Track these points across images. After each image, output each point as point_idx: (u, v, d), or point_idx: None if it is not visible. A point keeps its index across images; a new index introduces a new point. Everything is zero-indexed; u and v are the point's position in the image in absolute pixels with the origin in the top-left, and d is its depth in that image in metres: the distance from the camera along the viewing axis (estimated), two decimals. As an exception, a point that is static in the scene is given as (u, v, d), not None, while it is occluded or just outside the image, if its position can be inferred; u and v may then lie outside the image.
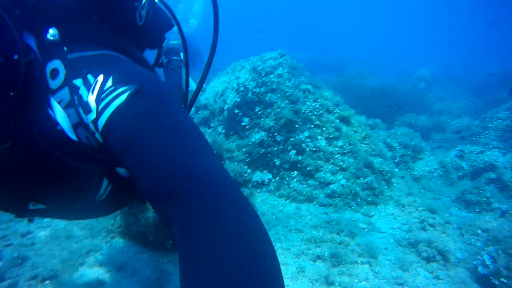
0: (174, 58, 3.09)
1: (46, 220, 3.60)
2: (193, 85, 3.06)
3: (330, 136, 5.19)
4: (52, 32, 1.06)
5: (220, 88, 6.46)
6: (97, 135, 1.07)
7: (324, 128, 5.22)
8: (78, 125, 1.09)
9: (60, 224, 3.57)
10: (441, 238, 4.08)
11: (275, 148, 5.18)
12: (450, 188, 5.45)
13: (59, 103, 1.07)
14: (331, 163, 5.00)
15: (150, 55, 1.92)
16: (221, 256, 0.68)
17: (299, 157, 5.02)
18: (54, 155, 1.06)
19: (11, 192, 1.16)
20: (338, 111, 5.47)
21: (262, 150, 5.22)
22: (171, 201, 0.81)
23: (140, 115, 0.95)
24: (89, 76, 1.08)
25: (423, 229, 4.27)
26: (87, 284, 2.95)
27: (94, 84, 1.06)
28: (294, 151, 5.08)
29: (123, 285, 2.97)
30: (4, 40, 0.90)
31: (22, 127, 0.98)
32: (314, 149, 5.05)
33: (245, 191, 4.19)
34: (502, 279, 3.38)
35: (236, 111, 5.72)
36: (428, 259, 3.74)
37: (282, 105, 5.32)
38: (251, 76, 5.81)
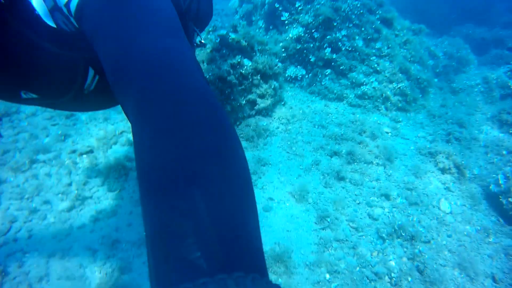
0: None
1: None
2: None
3: (368, 37, 5.01)
4: None
5: (262, -21, 6.26)
6: (72, 20, 1.05)
7: (363, 29, 5.03)
8: (54, 9, 1.06)
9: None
10: (463, 152, 4.04)
11: (311, 45, 5.09)
12: (488, 106, 5.22)
13: None
14: (366, 65, 4.89)
15: None
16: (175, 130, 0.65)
17: (334, 55, 4.93)
18: (37, 42, 1.07)
19: (2, 78, 1.18)
20: (380, 12, 5.21)
21: (299, 46, 5.15)
22: (126, 87, 0.77)
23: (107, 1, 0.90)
24: None
25: (448, 141, 4.21)
26: (117, 159, 3.19)
27: None
28: (329, 49, 4.98)
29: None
30: None
31: (2, 16, 1.00)
32: (350, 49, 4.93)
33: (274, 84, 4.23)
34: (510, 199, 3.39)
35: (277, 5, 5.57)
36: (443, 170, 3.73)
37: (322, 2, 5.12)
38: (294, -36, 5.56)
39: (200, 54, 4.08)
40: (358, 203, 3.17)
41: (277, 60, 4.40)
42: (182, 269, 0.52)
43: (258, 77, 4.14)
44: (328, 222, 2.93)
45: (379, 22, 5.15)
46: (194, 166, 0.61)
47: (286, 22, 5.45)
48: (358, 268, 2.71)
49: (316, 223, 2.92)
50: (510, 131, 4.60)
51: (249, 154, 3.61)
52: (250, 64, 4.11)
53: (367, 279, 2.65)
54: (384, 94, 4.67)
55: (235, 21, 4.40)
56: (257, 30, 5.98)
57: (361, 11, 5.06)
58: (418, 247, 2.92)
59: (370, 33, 5.02)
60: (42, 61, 1.13)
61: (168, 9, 0.95)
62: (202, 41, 2.00)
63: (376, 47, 4.99)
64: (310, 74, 5.06)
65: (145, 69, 0.75)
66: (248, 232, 0.60)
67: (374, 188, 3.34)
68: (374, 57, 4.91)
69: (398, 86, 4.73)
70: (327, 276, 2.62)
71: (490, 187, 3.56)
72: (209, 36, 4.26)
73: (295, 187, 3.22)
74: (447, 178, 3.67)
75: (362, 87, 4.74)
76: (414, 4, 8.81)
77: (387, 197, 3.27)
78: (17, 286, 2.08)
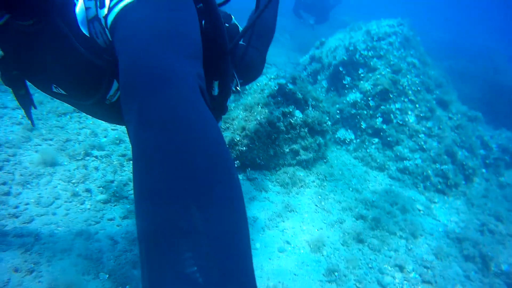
0: None
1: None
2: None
3: (421, 115, 5.14)
4: None
5: (333, 44, 6.61)
6: (107, 32, 1.13)
7: (417, 105, 5.17)
8: (94, 19, 1.15)
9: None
10: (494, 246, 3.97)
11: (365, 112, 5.29)
12: (536, 206, 5.13)
13: None
14: (413, 141, 5.00)
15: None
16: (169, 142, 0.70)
17: (384, 126, 5.09)
18: (73, 44, 1.15)
19: (36, 69, 1.28)
20: (438, 92, 5.35)
21: (353, 111, 5.37)
22: (130, 103, 0.81)
23: (141, 17, 0.98)
24: None
25: (481, 231, 4.17)
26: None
27: None
28: (381, 119, 5.15)
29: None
30: None
31: (46, 7, 1.09)
32: (401, 122, 5.07)
33: (320, 140, 4.43)
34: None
35: (341, 68, 5.87)
36: (467, 257, 3.70)
37: (383, 73, 5.35)
38: (363, 38, 5.89)
39: (257, 97, 4.38)
40: (370, 267, 3.24)
41: (328, 118, 4.61)
42: (178, 282, 0.55)
43: (306, 130, 4.36)
44: (336, 276, 3.02)
45: (435, 102, 5.28)
46: (191, 186, 0.64)
47: (347, 86, 5.71)
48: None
49: (324, 275, 3.01)
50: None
51: (279, 198, 3.79)
52: (301, 116, 4.35)
53: None
54: (425, 173, 4.73)
55: (296, 73, 4.67)
56: (319, 89, 6.26)
57: (419, 88, 5.23)
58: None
59: (424, 111, 5.15)
60: (73, 61, 1.20)
61: (192, 34, 1.02)
62: (238, 88, 2.12)
63: (427, 125, 5.10)
64: (358, 140, 5.23)
65: (148, 89, 0.79)
66: (242, 251, 0.64)
67: (390, 257, 3.40)
68: (422, 135, 5.01)
69: (441, 167, 4.78)
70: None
71: (516, 287, 3.50)
72: (269, 82, 4.57)
73: (313, 238, 3.34)
74: (469, 267, 3.64)
75: (405, 162, 4.84)
76: (482, 93, 8.83)
77: (401, 268, 3.31)
78: (44, 251, 2.35)
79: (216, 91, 1.67)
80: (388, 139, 5.01)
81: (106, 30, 1.11)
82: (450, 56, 12.05)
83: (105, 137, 3.66)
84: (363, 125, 5.24)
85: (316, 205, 3.83)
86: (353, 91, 5.58)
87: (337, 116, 5.48)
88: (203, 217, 0.61)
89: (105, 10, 1.07)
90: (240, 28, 2.12)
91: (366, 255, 3.35)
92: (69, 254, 2.40)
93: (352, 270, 3.13)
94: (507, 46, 17.78)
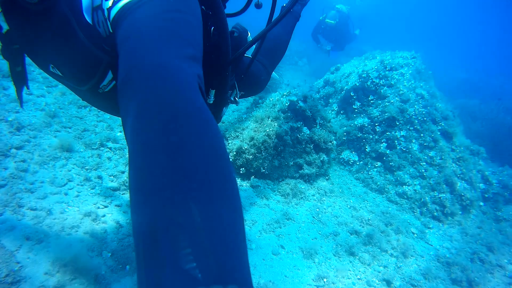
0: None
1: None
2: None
3: (425, 144, 5.30)
4: None
5: (347, 70, 6.84)
6: (109, 24, 1.15)
7: (422, 135, 5.34)
8: (98, 8, 1.19)
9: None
10: (483, 274, 4.07)
11: (371, 136, 5.48)
12: (530, 243, 5.21)
13: None
14: (414, 168, 5.15)
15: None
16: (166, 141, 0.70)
17: (388, 151, 5.26)
18: (74, 28, 1.19)
19: (37, 47, 1.31)
20: (443, 124, 5.51)
21: (360, 134, 5.56)
22: (128, 99, 0.81)
23: (145, 15, 0.99)
24: None
25: (471, 259, 4.28)
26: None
27: None
28: (385, 144, 5.33)
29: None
30: None
31: None
32: (404, 149, 5.24)
33: (324, 157, 4.61)
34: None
35: (352, 93, 6.08)
36: (454, 281, 3.80)
37: (392, 101, 5.55)
38: (376, 67, 6.10)
39: (269, 111, 4.59)
40: (359, 278, 3.37)
41: (333, 138, 4.79)
42: (178, 278, 0.54)
43: (311, 146, 4.56)
44: (324, 282, 3.16)
45: (439, 133, 5.44)
46: (189, 183, 0.64)
47: (356, 110, 5.91)
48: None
49: (313, 280, 3.16)
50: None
51: (279, 207, 3.96)
52: (308, 132, 4.55)
53: None
54: (423, 199, 4.87)
55: (307, 92, 4.88)
56: (329, 111, 6.48)
57: (425, 119, 5.40)
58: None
59: (428, 141, 5.31)
60: (72, 46, 1.23)
61: (194, 36, 1.03)
62: (237, 98, 2.16)
63: (430, 154, 5.25)
64: (361, 162, 5.40)
65: (147, 85, 0.79)
66: (239, 248, 0.63)
67: (379, 272, 3.52)
68: (424, 163, 5.17)
69: (439, 196, 4.91)
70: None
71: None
72: (282, 98, 4.78)
73: (307, 245, 3.49)
74: (456, 290, 3.76)
75: (404, 187, 4.99)
76: (490, 132, 8.95)
77: (388, 283, 3.43)
78: (54, 225, 2.54)
79: (211, 100, 1.72)
80: (391, 163, 5.17)
81: (108, 22, 1.14)
82: (465, 95, 12.23)
83: (120, 132, 3.87)
84: (368, 149, 5.42)
85: (313, 217, 3.99)
86: (362, 115, 5.78)
87: (344, 138, 5.67)
88: (201, 214, 0.61)
89: (110, 3, 1.10)
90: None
91: (356, 267, 3.48)
92: (76, 230, 2.59)
93: (341, 279, 3.27)
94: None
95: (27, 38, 1.28)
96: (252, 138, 4.28)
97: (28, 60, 1.49)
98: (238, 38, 1.96)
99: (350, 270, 3.42)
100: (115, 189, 3.11)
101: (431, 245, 4.32)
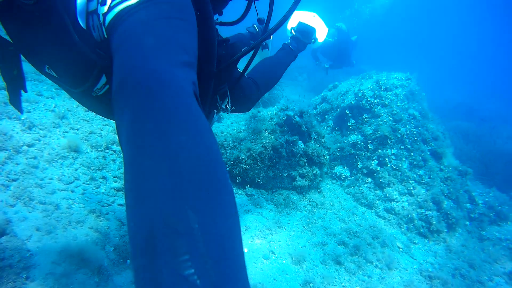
0: (301, 38, 3.36)
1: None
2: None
3: (414, 163, 5.52)
4: None
5: (344, 88, 7.09)
6: (104, 29, 1.15)
7: (412, 154, 5.56)
8: (93, 12, 1.18)
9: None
10: None
11: (363, 153, 5.70)
12: (511, 263, 5.40)
13: None
14: (403, 185, 5.36)
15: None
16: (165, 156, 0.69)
17: (379, 168, 5.48)
18: (69, 31, 1.19)
19: (33, 48, 1.32)
20: (433, 144, 5.74)
21: (352, 151, 5.77)
22: (122, 104, 0.81)
23: (140, 21, 0.99)
24: None
25: (453, 275, 4.47)
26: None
27: None
28: (377, 161, 5.54)
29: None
30: None
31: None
32: (394, 167, 5.46)
33: (316, 170, 4.83)
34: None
35: (347, 111, 6.31)
36: (436, 294, 4.03)
37: (385, 120, 5.78)
38: (371, 86, 6.36)
39: (266, 124, 4.81)
40: (343, 286, 3.56)
41: (327, 153, 5.01)
42: (176, 284, 0.55)
43: (305, 160, 4.77)
44: (311, 287, 3.35)
45: (429, 153, 5.66)
46: (185, 189, 0.65)
47: (351, 127, 6.13)
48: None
49: (300, 285, 3.34)
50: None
51: (271, 215, 4.16)
52: (303, 146, 4.76)
53: None
54: (410, 215, 5.07)
55: (304, 108, 5.10)
56: (325, 127, 6.71)
57: (416, 138, 5.62)
58: None
59: (417, 160, 5.53)
60: (67, 48, 1.24)
61: (189, 43, 1.02)
62: (228, 106, 2.17)
63: (419, 173, 5.47)
64: (352, 178, 5.61)
65: (142, 92, 0.79)
66: (236, 253, 0.64)
67: (363, 281, 3.71)
68: (413, 181, 5.38)
69: (426, 213, 5.11)
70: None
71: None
72: (279, 112, 5.00)
73: (296, 252, 3.68)
74: (436, 303, 3.94)
75: (392, 203, 5.19)
76: (481, 154, 9.19)
77: (371, 292, 3.63)
78: (61, 219, 2.74)
79: None
80: (381, 180, 5.38)
81: (103, 27, 1.13)
82: (459, 117, 12.50)
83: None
84: (360, 165, 5.63)
85: (304, 227, 4.19)
86: (355, 133, 6.01)
87: (337, 154, 5.89)
88: (198, 220, 0.62)
89: (105, 8, 1.10)
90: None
91: (341, 275, 3.67)
92: (82, 225, 2.79)
93: (326, 285, 3.45)
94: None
95: (23, 38, 1.29)
96: (249, 149, 4.49)
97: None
98: (232, 46, 1.89)
99: (335, 278, 3.61)
100: (118, 190, 3.30)
101: (415, 260, 4.51)
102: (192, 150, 0.72)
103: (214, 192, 0.69)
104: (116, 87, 0.85)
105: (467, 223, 5.69)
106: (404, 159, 5.54)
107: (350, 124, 6.20)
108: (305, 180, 4.76)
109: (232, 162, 4.45)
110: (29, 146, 3.23)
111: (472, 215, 5.90)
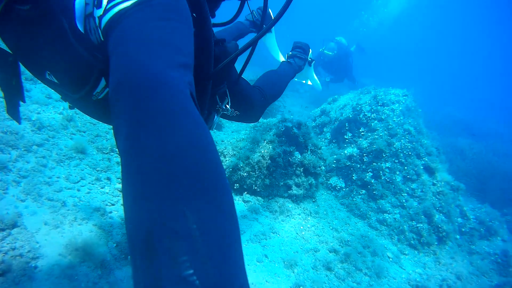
0: (298, 54, 3.56)
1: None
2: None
3: (408, 177, 5.69)
4: None
5: (343, 102, 7.29)
6: (100, 32, 1.14)
7: (406, 167, 5.74)
8: (90, 15, 1.16)
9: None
10: (450, 299, 4.44)
11: (358, 165, 5.87)
12: (498, 277, 5.52)
13: None
14: (396, 198, 5.54)
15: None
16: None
17: (373, 180, 5.65)
18: (68, 35, 1.18)
19: (32, 54, 1.31)
20: (426, 159, 5.92)
21: (348, 163, 5.95)
22: (120, 106, 0.82)
23: (136, 23, 0.99)
24: None
25: (440, 286, 4.61)
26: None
27: None
28: (371, 174, 5.72)
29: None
30: None
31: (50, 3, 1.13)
32: (388, 180, 5.63)
33: (312, 180, 5.01)
34: None
35: (345, 124, 6.51)
36: (423, 301, 4.18)
37: (381, 134, 5.97)
38: (369, 101, 6.56)
39: (265, 134, 5.00)
40: (332, 291, 3.73)
41: (322, 164, 5.19)
42: (175, 284, 0.55)
43: (301, 170, 4.95)
44: (301, 290, 3.52)
45: (422, 167, 5.84)
46: (184, 190, 0.65)
47: (347, 140, 6.32)
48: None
49: (291, 287, 3.51)
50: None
51: (266, 221, 4.33)
52: (300, 157, 4.94)
53: None
54: (401, 227, 5.23)
55: (302, 120, 5.29)
56: (322, 139, 6.91)
57: (410, 153, 5.80)
58: None
59: (411, 174, 5.70)
60: (66, 52, 1.23)
61: (185, 44, 1.04)
62: (228, 106, 2.13)
63: (412, 186, 5.64)
64: (347, 189, 5.78)
65: (139, 94, 0.80)
66: (236, 254, 0.65)
67: None
68: (405, 194, 5.55)
69: (417, 225, 5.28)
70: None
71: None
72: (278, 123, 5.19)
73: (288, 257, 3.85)
74: (422, 312, 4.09)
75: (385, 215, 5.36)
76: (477, 171, 9.36)
77: (359, 297, 3.79)
78: (68, 215, 2.92)
79: None
80: (374, 192, 5.56)
81: (99, 29, 1.14)
82: (458, 133, 12.67)
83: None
84: (354, 177, 5.81)
85: (297, 233, 4.36)
86: (352, 146, 6.20)
87: (333, 165, 6.06)
88: (197, 221, 0.62)
89: (101, 11, 1.10)
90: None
91: (331, 281, 3.83)
92: (86, 222, 2.96)
93: (316, 289, 3.62)
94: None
95: (22, 45, 1.29)
96: (247, 157, 4.67)
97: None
98: (228, 47, 1.87)
99: (325, 283, 3.77)
100: (121, 190, 3.48)
101: (404, 269, 4.67)
102: (188, 151, 0.72)
103: (212, 192, 0.69)
104: (112, 89, 0.86)
105: (458, 236, 5.84)
106: (397, 173, 5.71)
107: (347, 137, 6.39)
108: (301, 189, 4.94)
109: (231, 169, 4.63)
110: (38, 146, 3.41)
111: (463, 229, 6.05)
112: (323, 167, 5.21)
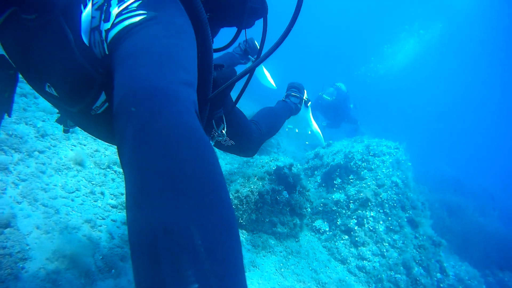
0: (293, 93, 3.72)
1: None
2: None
3: (391, 227, 5.83)
4: None
5: (336, 148, 7.49)
6: (105, 45, 1.16)
7: (389, 218, 5.88)
8: (96, 28, 1.17)
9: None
10: None
11: (344, 211, 6.02)
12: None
13: (94, 3, 1.18)
14: (377, 246, 5.65)
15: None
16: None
17: (356, 227, 5.78)
18: (71, 47, 1.19)
19: (33, 64, 1.30)
20: (411, 212, 6.07)
21: (334, 208, 6.09)
22: (124, 121, 0.82)
23: (143, 38, 1.01)
24: None
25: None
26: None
27: (125, 0, 1.14)
28: (355, 221, 5.85)
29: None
30: None
31: (49, 4, 1.14)
32: (371, 228, 5.76)
33: (297, 220, 5.14)
34: None
35: (336, 170, 6.69)
36: None
37: (369, 183, 6.15)
38: (361, 150, 6.77)
39: (256, 171, 5.16)
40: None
41: (309, 205, 5.33)
42: None
43: (287, 209, 5.10)
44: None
45: (406, 220, 5.98)
46: (188, 206, 0.66)
47: (336, 186, 6.49)
48: None
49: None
50: None
51: (248, 254, 4.43)
52: (287, 196, 5.09)
53: None
54: (379, 276, 5.32)
55: (294, 161, 5.45)
56: (313, 182, 7.07)
57: (395, 205, 5.96)
58: None
59: (394, 225, 5.84)
60: (68, 64, 1.22)
61: (189, 63, 1.05)
62: (224, 131, 2.16)
63: (394, 237, 5.76)
64: (331, 233, 5.90)
65: (145, 109, 0.80)
66: (238, 271, 0.65)
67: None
68: (387, 244, 5.67)
69: (395, 276, 5.37)
70: None
71: None
72: (270, 162, 5.36)
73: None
74: None
75: (364, 262, 5.46)
76: (462, 229, 9.48)
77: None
78: (59, 223, 3.04)
79: None
80: (356, 239, 5.67)
81: (105, 43, 1.15)
82: (448, 190, 12.85)
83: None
84: (339, 222, 5.94)
85: (276, 270, 4.45)
86: (340, 191, 6.36)
87: (320, 208, 6.20)
88: (201, 236, 0.63)
89: (109, 25, 1.11)
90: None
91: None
92: (76, 231, 3.08)
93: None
94: (503, 193, 18.62)
95: (24, 55, 1.27)
96: (237, 191, 4.81)
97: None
98: (227, 72, 1.87)
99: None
100: (113, 206, 3.60)
101: (378, 318, 4.75)
102: (195, 168, 0.73)
103: (216, 209, 0.70)
104: (118, 103, 0.86)
105: (436, 292, 5.93)
106: (381, 222, 5.85)
107: (336, 183, 6.56)
108: (285, 228, 5.06)
109: (220, 200, 4.75)
110: (40, 152, 3.55)
111: (441, 285, 6.12)
112: (309, 209, 5.35)
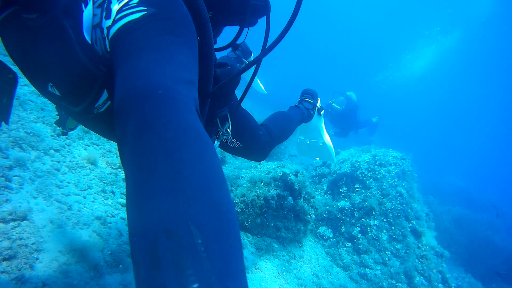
0: (306, 98, 3.75)
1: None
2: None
3: (394, 236, 5.92)
4: None
5: (344, 157, 7.60)
6: (107, 42, 1.17)
7: (393, 227, 5.97)
8: (97, 26, 1.19)
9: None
10: None
11: (348, 219, 6.12)
12: None
13: (94, 1, 1.20)
14: (379, 255, 5.75)
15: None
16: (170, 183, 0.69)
17: (360, 235, 5.89)
18: (73, 44, 1.18)
19: (36, 64, 1.28)
20: (414, 222, 6.15)
21: (339, 215, 6.20)
22: (125, 119, 0.82)
23: (144, 36, 1.01)
24: None
25: None
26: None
27: None
28: (359, 229, 5.96)
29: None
30: None
31: (51, 3, 1.12)
32: (374, 237, 5.86)
33: (300, 226, 5.26)
34: None
35: (342, 178, 6.81)
36: None
37: (374, 193, 6.25)
38: (368, 160, 6.87)
39: (263, 176, 5.29)
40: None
41: (313, 212, 5.45)
42: None
43: (292, 215, 5.22)
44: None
45: (409, 230, 6.07)
46: (189, 205, 0.66)
47: (342, 194, 6.59)
48: None
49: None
50: None
51: (251, 257, 4.56)
52: (292, 202, 5.21)
53: None
54: (380, 284, 5.42)
55: (301, 169, 5.57)
56: (319, 189, 7.19)
57: (399, 214, 6.06)
58: None
59: (397, 234, 5.93)
60: (70, 62, 1.22)
61: (190, 61, 1.05)
62: (229, 130, 2.15)
63: (396, 246, 5.86)
64: (334, 240, 6.01)
65: (146, 107, 0.80)
66: (239, 271, 0.65)
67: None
68: (389, 253, 5.76)
69: (396, 284, 5.46)
70: None
71: None
72: (276, 168, 5.49)
73: (266, 293, 4.07)
74: None
75: (366, 269, 5.56)
76: (469, 242, 9.49)
77: None
78: (72, 218, 3.21)
79: None
80: (359, 246, 5.78)
81: (106, 40, 1.16)
82: (457, 202, 12.84)
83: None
84: (343, 229, 6.05)
85: (278, 273, 4.57)
86: (345, 199, 6.47)
87: (325, 215, 6.32)
88: (202, 236, 0.62)
89: (110, 22, 1.12)
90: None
91: (303, 321, 4.04)
92: (87, 227, 3.24)
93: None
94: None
95: (26, 54, 1.26)
96: (243, 195, 4.96)
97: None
98: (230, 69, 1.89)
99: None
100: (123, 205, 3.76)
101: (377, 325, 4.84)
102: (195, 167, 0.72)
103: (217, 208, 0.69)
104: (118, 101, 0.86)
105: (438, 304, 6.00)
106: (384, 231, 5.95)
107: (342, 191, 6.67)
108: (289, 233, 5.18)
109: (226, 203, 4.88)
110: (55, 150, 3.72)
111: (444, 296, 6.21)
112: (313, 216, 5.46)
